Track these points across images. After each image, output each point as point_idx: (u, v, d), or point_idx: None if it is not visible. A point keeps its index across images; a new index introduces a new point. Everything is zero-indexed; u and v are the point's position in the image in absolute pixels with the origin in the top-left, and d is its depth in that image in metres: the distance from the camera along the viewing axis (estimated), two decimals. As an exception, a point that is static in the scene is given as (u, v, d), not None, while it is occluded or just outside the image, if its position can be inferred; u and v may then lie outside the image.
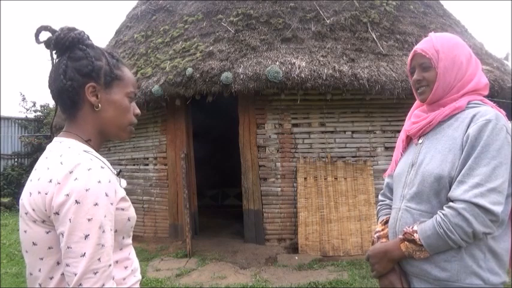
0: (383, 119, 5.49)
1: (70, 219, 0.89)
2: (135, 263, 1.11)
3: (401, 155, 1.48)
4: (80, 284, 0.88)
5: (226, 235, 6.09)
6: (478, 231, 1.16)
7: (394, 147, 1.59)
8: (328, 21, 5.80)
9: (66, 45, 1.03)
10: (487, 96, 1.37)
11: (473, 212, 1.15)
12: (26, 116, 12.41)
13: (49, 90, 1.08)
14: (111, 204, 0.95)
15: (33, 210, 0.95)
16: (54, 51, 1.05)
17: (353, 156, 5.41)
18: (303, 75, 4.93)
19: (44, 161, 1.00)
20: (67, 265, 0.89)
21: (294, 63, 5.09)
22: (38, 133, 11.76)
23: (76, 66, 1.02)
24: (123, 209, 1.02)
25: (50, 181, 0.93)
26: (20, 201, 1.01)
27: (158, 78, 5.47)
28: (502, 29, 37.91)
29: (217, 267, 4.68)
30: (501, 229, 1.23)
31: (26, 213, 0.97)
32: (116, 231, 1.00)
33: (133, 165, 6.57)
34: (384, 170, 1.66)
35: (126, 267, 1.06)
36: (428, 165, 1.28)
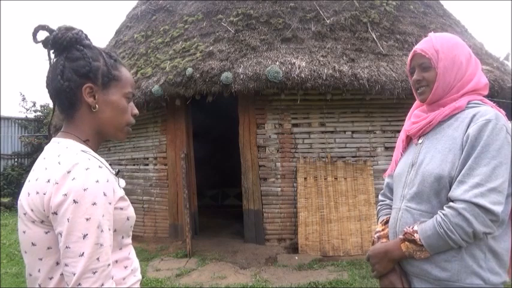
0: (383, 119, 5.49)
1: (68, 219, 0.89)
2: (134, 262, 1.10)
3: (401, 155, 1.48)
4: (79, 284, 0.88)
5: (226, 235, 6.09)
6: (479, 231, 1.16)
7: (394, 147, 1.59)
8: (328, 21, 5.80)
9: (64, 45, 1.02)
10: (487, 96, 1.37)
11: (474, 212, 1.15)
12: (26, 116, 12.42)
13: (47, 91, 1.07)
14: (110, 203, 0.95)
15: (32, 210, 0.95)
16: (51, 51, 1.04)
17: (353, 156, 5.41)
18: (303, 75, 4.93)
19: (41, 162, 1.00)
20: (66, 265, 0.89)
21: (294, 63, 5.09)
22: (38, 133, 11.76)
23: (73, 67, 1.02)
24: (121, 209, 1.02)
25: (48, 181, 0.93)
26: (19, 202, 1.01)
27: (158, 78, 5.47)
28: (502, 29, 37.94)
29: (217, 267, 4.68)
30: (501, 229, 1.23)
31: (25, 214, 0.97)
32: (115, 230, 0.99)
33: (133, 165, 6.57)
34: (384, 170, 1.66)
35: (125, 267, 1.05)
36: (429, 165, 1.28)
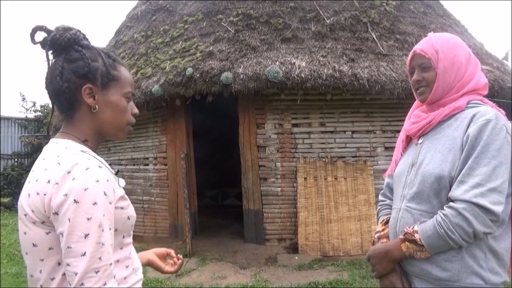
0: (383, 119, 5.50)
1: (69, 219, 0.89)
2: (136, 262, 1.11)
3: (401, 155, 1.48)
4: (82, 284, 0.88)
5: (226, 235, 6.09)
6: (479, 231, 1.16)
7: (394, 147, 1.59)
8: (328, 21, 5.80)
9: (62, 45, 1.02)
10: (486, 96, 1.37)
11: (474, 212, 1.15)
12: (26, 116, 12.41)
13: (46, 91, 1.07)
14: (110, 203, 0.95)
15: (33, 211, 0.95)
16: (50, 52, 1.04)
17: (353, 156, 5.41)
18: (303, 75, 4.93)
19: (41, 162, 1.00)
20: (68, 265, 0.89)
21: (294, 63, 5.09)
22: (38, 133, 11.76)
23: (72, 68, 1.02)
24: (122, 208, 1.02)
25: (48, 182, 0.93)
26: (19, 203, 1.01)
27: (158, 78, 5.47)
28: (502, 29, 37.93)
29: (217, 267, 4.68)
30: (501, 229, 1.23)
31: (25, 215, 0.97)
32: (116, 230, 0.99)
33: (133, 165, 6.57)
34: (384, 170, 1.66)
35: (127, 266, 1.05)
36: (429, 165, 1.28)
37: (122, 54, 6.72)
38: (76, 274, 0.88)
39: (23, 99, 12.62)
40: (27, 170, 10.56)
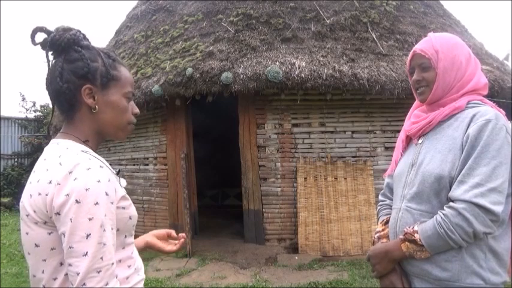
0: (383, 119, 5.50)
1: (71, 219, 0.89)
2: (138, 261, 1.11)
3: (401, 155, 1.48)
4: (84, 284, 0.88)
5: (226, 235, 6.09)
6: (479, 231, 1.16)
7: (394, 147, 1.59)
8: (328, 21, 5.80)
9: (62, 46, 1.02)
10: (486, 96, 1.38)
11: (474, 212, 1.15)
12: (26, 116, 12.41)
13: (47, 92, 1.08)
14: (112, 203, 0.96)
15: (35, 212, 0.95)
16: (50, 53, 1.04)
17: (353, 156, 5.41)
18: (303, 75, 4.93)
19: (42, 163, 1.00)
20: (70, 265, 0.90)
21: (294, 63, 5.09)
22: (38, 133, 11.76)
23: (72, 69, 1.02)
24: (124, 208, 1.02)
25: (50, 182, 0.93)
26: (21, 203, 1.01)
27: (158, 78, 5.47)
28: (502, 29, 37.93)
29: (217, 267, 4.68)
30: (501, 229, 1.23)
31: (27, 215, 0.97)
32: (117, 230, 1.00)
33: (133, 165, 6.57)
34: (384, 170, 1.66)
35: (129, 266, 1.06)
36: (429, 165, 1.28)
37: (122, 54, 6.72)
38: (78, 274, 0.88)
39: (23, 99, 12.64)
40: (27, 170, 10.57)
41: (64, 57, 1.03)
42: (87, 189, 0.91)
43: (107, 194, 0.94)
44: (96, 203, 0.91)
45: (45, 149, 1.05)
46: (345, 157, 5.39)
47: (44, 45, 1.03)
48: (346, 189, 5.23)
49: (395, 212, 1.39)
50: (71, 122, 1.06)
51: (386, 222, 1.48)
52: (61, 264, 0.95)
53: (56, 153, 1.00)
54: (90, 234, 0.89)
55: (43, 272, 0.97)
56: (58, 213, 0.91)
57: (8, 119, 11.73)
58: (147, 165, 6.34)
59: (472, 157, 1.19)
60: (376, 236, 1.49)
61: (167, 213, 6.02)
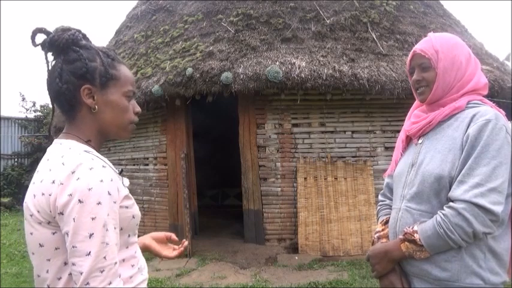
0: (383, 119, 5.50)
1: (74, 219, 0.90)
2: (141, 261, 1.11)
3: (401, 155, 1.48)
4: (87, 283, 0.88)
5: (226, 235, 6.09)
6: (478, 231, 1.16)
7: (394, 147, 1.59)
8: (328, 21, 5.80)
9: (61, 47, 1.02)
10: (486, 96, 1.38)
11: (474, 212, 1.15)
12: (26, 116, 12.42)
13: (47, 93, 1.08)
14: (114, 202, 0.96)
15: (38, 212, 0.96)
16: (50, 53, 1.05)
17: (353, 156, 5.41)
18: (303, 75, 4.93)
19: (45, 163, 1.01)
20: (73, 264, 0.90)
21: (294, 63, 5.09)
22: (38, 133, 11.76)
23: (70, 69, 1.02)
24: (127, 207, 1.03)
25: (53, 182, 0.94)
26: (24, 204, 1.01)
27: (158, 78, 5.47)
28: (502, 29, 37.93)
29: (217, 267, 4.69)
30: (501, 229, 1.23)
31: (31, 216, 0.98)
32: (121, 229, 1.00)
33: (133, 165, 6.57)
34: (384, 170, 1.66)
35: (132, 266, 1.06)
36: (429, 165, 1.29)
37: (122, 54, 6.72)
38: (81, 273, 0.89)
39: (23, 99, 12.65)
40: (27, 170, 10.57)
41: (63, 58, 1.03)
42: (89, 189, 0.91)
43: (109, 194, 0.94)
44: (99, 203, 0.92)
45: (48, 149, 1.06)
46: (345, 157, 5.39)
47: (43, 46, 1.04)
48: (346, 189, 5.23)
49: (395, 212, 1.39)
50: (73, 122, 1.07)
51: (386, 222, 1.48)
52: (65, 263, 0.95)
53: (58, 153, 1.00)
54: (93, 233, 0.90)
55: (47, 271, 0.98)
56: (61, 213, 0.92)
57: (8, 119, 11.74)
58: (147, 165, 6.34)
59: (472, 157, 1.19)
60: (375, 236, 1.49)
61: (167, 213, 6.02)
